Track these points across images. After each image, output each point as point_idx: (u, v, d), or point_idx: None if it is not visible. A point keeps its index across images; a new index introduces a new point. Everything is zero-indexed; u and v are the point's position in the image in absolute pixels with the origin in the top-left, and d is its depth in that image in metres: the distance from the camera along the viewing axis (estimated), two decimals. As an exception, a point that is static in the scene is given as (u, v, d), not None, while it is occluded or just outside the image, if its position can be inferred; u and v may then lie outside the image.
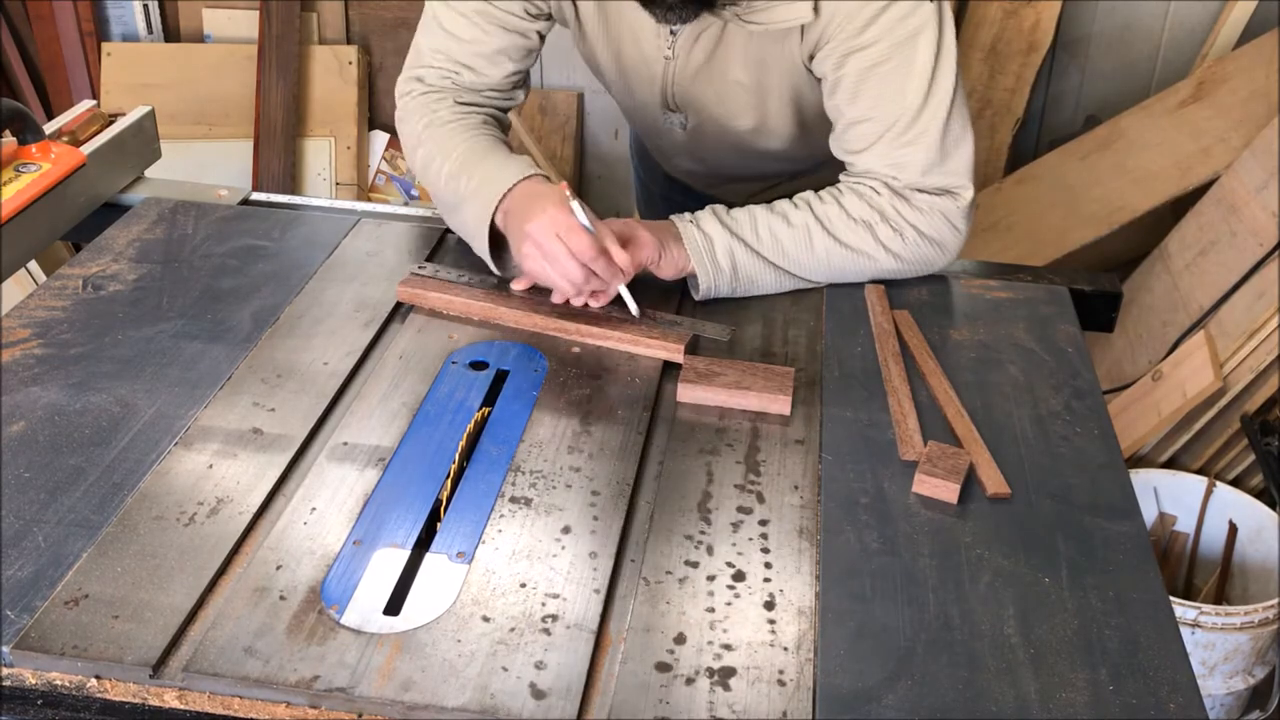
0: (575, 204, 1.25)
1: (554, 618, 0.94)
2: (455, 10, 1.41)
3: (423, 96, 1.45)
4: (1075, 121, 3.02)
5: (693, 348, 1.27)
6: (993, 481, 1.09)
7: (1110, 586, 0.98)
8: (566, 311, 1.32)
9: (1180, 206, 2.70)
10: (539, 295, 1.34)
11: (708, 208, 1.36)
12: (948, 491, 1.07)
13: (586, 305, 1.32)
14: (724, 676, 0.89)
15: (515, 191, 1.30)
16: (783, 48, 1.35)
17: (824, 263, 1.36)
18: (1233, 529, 2.29)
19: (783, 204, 1.37)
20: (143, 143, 1.68)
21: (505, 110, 1.51)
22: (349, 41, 3.13)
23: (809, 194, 1.37)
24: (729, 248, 1.33)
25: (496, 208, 1.31)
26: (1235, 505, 2.30)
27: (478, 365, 1.26)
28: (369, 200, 3.02)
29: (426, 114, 1.42)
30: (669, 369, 1.26)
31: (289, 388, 1.20)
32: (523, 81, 1.51)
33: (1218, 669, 2.11)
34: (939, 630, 0.94)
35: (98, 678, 0.89)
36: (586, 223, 1.25)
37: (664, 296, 1.37)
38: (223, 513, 1.03)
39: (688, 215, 1.36)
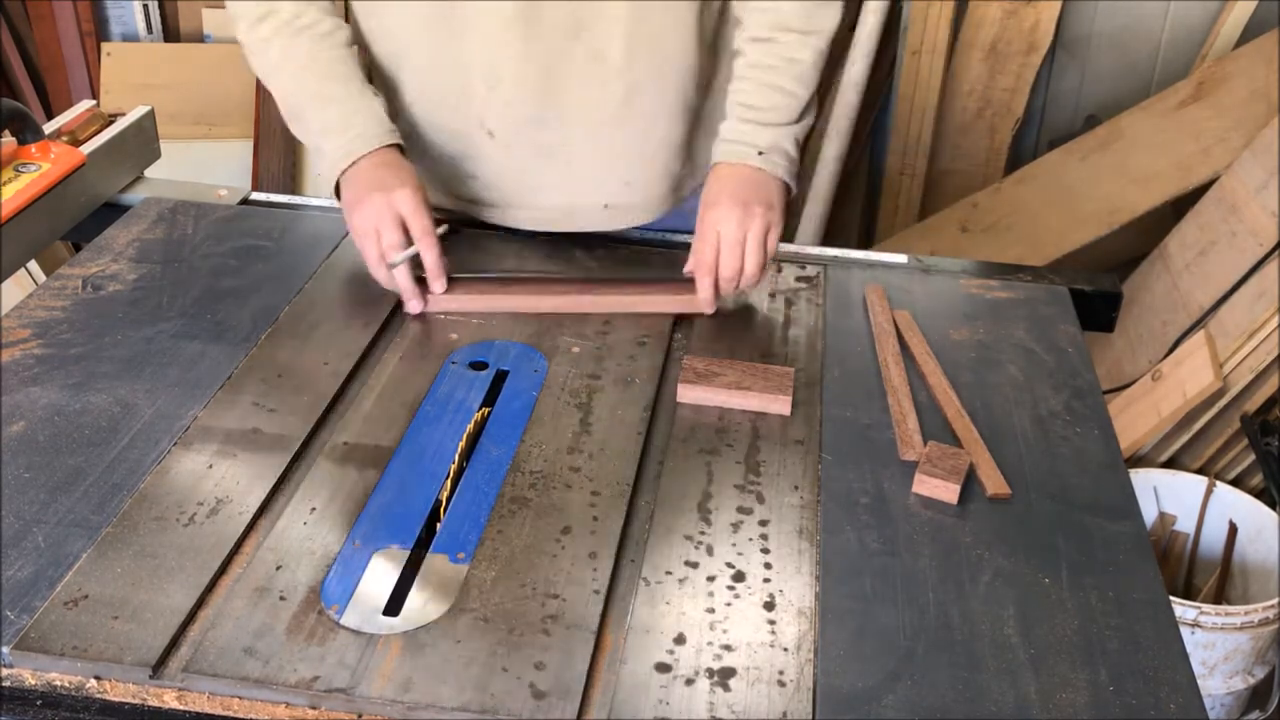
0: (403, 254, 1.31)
1: (554, 618, 0.94)
2: None
3: None
4: (1075, 121, 3.02)
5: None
6: (993, 482, 1.09)
7: (1110, 586, 0.98)
8: (577, 288, 1.35)
9: (1180, 206, 2.71)
10: (547, 282, 1.37)
11: (737, 118, 1.36)
12: (947, 492, 1.07)
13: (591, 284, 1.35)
14: (724, 677, 0.89)
15: (365, 161, 1.33)
16: None
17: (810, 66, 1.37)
18: (1233, 529, 2.29)
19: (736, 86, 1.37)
20: (142, 143, 1.68)
21: None
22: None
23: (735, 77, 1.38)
24: (793, 141, 1.36)
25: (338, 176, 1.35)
26: (1235, 505, 2.30)
27: (478, 365, 1.26)
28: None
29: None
30: (669, 369, 1.26)
31: (289, 388, 1.20)
32: None
33: (1218, 669, 2.11)
34: (939, 630, 0.94)
35: (97, 678, 0.89)
36: (407, 254, 1.31)
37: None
38: (223, 513, 1.03)
39: (732, 150, 1.35)
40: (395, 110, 1.43)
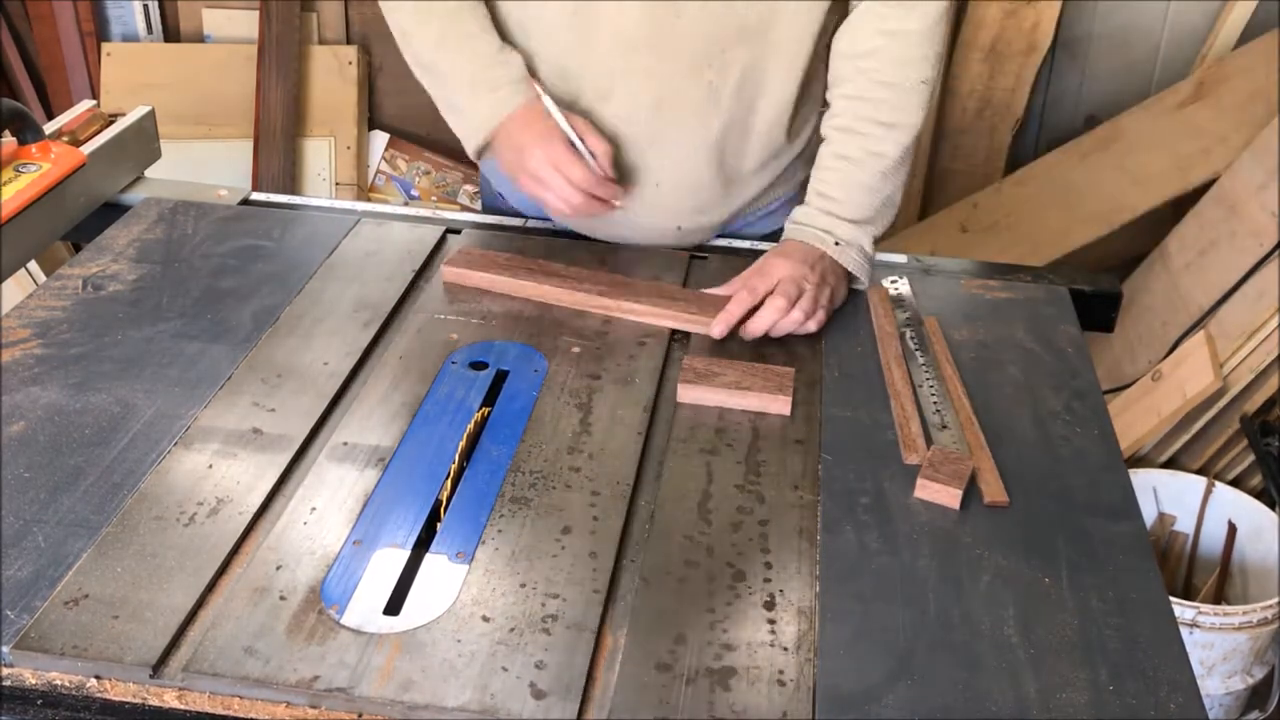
0: (554, 112, 1.32)
1: (554, 618, 0.94)
2: None
3: None
4: (1075, 121, 3.02)
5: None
6: (991, 489, 1.08)
7: (1110, 586, 0.98)
8: (609, 289, 1.35)
9: (1180, 206, 2.71)
10: (585, 272, 1.38)
11: (817, 209, 1.37)
12: (949, 497, 1.07)
13: (635, 289, 1.35)
14: (724, 676, 0.89)
15: (501, 126, 1.36)
16: None
17: (906, 142, 1.36)
18: (1232, 529, 2.29)
19: (839, 151, 1.37)
20: (143, 143, 1.68)
21: None
22: (349, 41, 3.13)
23: (833, 128, 1.38)
24: (870, 239, 1.37)
25: (485, 138, 1.38)
26: (1234, 505, 2.30)
27: (478, 365, 1.26)
28: (369, 200, 3.03)
29: None
30: (669, 369, 1.26)
31: (289, 388, 1.20)
32: None
33: (1216, 669, 2.11)
34: (939, 630, 0.94)
35: (98, 678, 0.89)
36: (573, 136, 1.32)
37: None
38: (223, 513, 1.03)
39: (810, 234, 1.35)
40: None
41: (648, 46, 1.35)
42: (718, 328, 1.29)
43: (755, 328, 1.29)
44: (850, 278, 1.37)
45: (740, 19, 1.34)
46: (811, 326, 1.30)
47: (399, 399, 1.19)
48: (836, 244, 1.35)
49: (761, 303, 1.29)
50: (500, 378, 1.24)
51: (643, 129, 1.40)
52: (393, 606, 0.95)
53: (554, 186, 1.33)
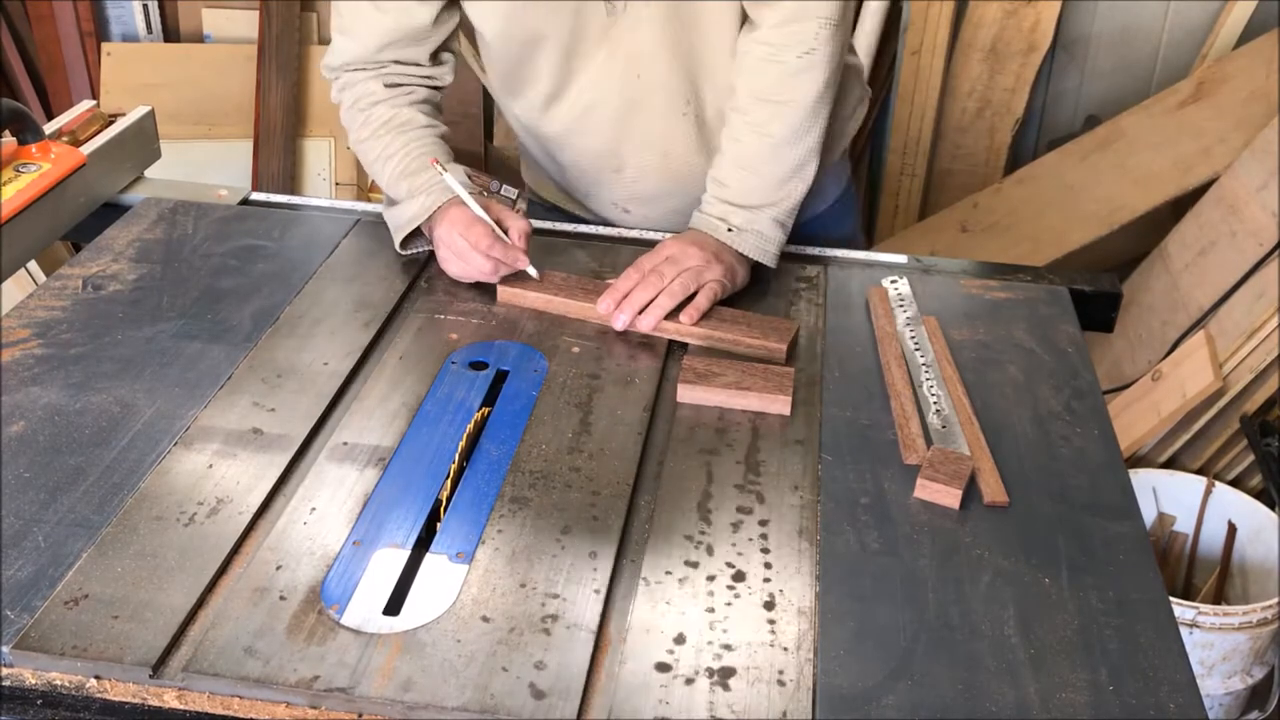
0: (456, 185, 1.34)
1: (554, 618, 0.94)
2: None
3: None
4: (1075, 121, 3.02)
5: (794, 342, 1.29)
6: (991, 489, 1.08)
7: (1110, 586, 0.98)
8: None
9: (1180, 206, 2.71)
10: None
11: (713, 195, 1.39)
12: (949, 497, 1.07)
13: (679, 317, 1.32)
14: (724, 676, 0.89)
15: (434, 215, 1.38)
16: None
17: (803, 126, 1.36)
18: (1232, 529, 2.29)
19: (733, 142, 1.38)
20: (143, 143, 1.68)
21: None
22: (349, 41, 3.12)
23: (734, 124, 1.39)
24: (769, 220, 1.37)
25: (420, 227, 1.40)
26: (1234, 505, 2.30)
27: (478, 365, 1.26)
28: (369, 200, 3.01)
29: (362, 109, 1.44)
30: (669, 369, 1.26)
31: (289, 388, 1.20)
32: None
33: (1216, 669, 2.11)
34: (939, 630, 0.94)
35: (97, 678, 0.89)
36: (478, 210, 1.34)
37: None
38: (223, 513, 1.03)
39: (706, 222, 1.38)
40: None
41: (625, 126, 1.44)
42: (602, 304, 1.31)
43: (630, 307, 1.30)
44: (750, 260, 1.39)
45: (689, 56, 1.40)
46: (702, 304, 1.31)
47: (399, 399, 1.19)
48: (729, 230, 1.37)
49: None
50: (500, 378, 1.24)
51: (654, 181, 1.50)
52: (393, 606, 0.95)
53: (461, 251, 1.33)
